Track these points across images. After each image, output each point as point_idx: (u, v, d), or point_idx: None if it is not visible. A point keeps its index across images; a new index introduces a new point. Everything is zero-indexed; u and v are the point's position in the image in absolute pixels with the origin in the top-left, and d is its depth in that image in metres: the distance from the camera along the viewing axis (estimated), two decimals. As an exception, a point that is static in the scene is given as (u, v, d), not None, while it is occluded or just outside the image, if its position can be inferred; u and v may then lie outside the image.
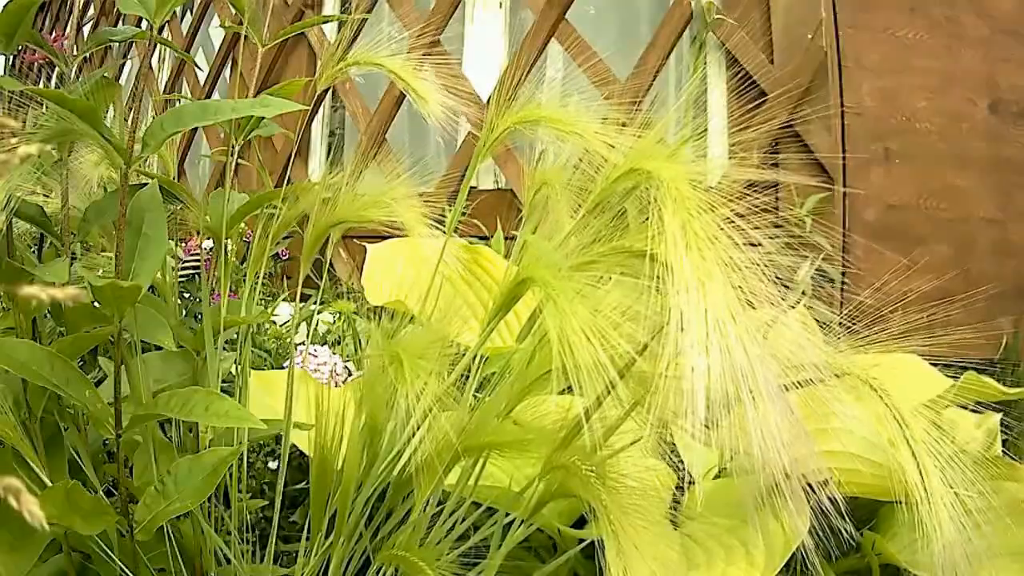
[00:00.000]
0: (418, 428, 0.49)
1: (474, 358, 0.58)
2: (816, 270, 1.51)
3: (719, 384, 0.40)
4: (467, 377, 0.60)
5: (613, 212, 0.49)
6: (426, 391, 0.48)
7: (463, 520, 0.61)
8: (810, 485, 0.77)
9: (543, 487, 0.54)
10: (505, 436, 0.52)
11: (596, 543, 0.50)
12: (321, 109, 2.60)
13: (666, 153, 0.48)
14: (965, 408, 0.89)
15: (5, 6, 0.64)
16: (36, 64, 1.03)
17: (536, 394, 0.53)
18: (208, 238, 0.81)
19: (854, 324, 0.62)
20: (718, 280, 0.41)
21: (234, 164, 0.82)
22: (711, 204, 0.45)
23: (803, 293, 1.07)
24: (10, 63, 0.69)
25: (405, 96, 2.60)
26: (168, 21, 3.05)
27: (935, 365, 0.89)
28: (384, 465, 0.57)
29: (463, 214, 1.85)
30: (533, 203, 0.63)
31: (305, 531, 0.61)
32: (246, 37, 0.82)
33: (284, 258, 1.94)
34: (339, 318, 1.48)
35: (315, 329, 1.50)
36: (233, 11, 0.83)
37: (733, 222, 0.45)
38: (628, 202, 0.49)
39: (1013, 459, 0.83)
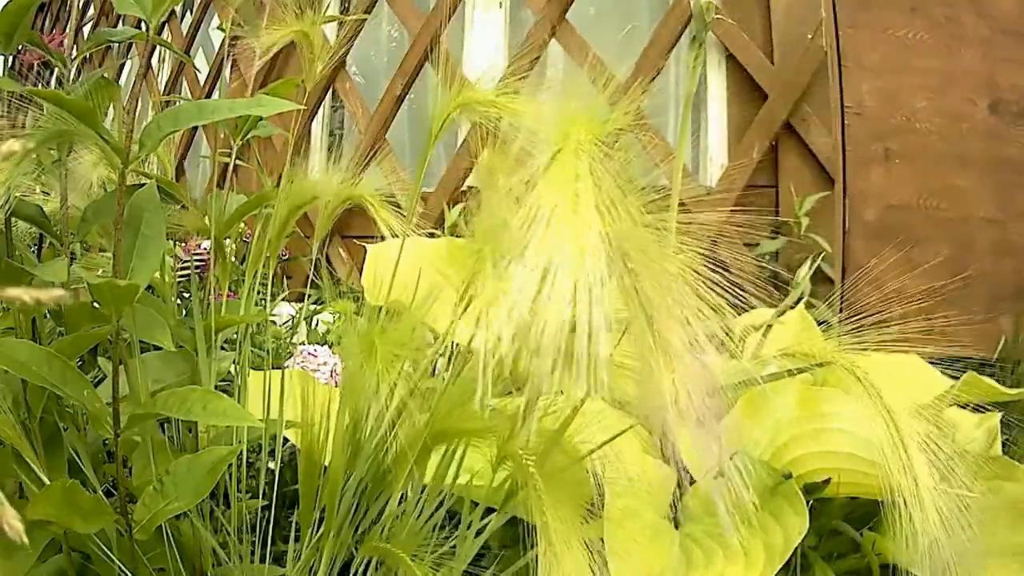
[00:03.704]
0: (395, 422, 0.49)
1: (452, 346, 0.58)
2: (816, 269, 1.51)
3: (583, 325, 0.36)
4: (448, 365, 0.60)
5: None
6: (399, 381, 0.48)
7: (438, 509, 0.60)
8: (807, 486, 0.77)
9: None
10: (470, 423, 0.52)
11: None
12: (321, 109, 2.60)
13: (593, 117, 0.43)
14: (965, 408, 0.89)
15: (4, 6, 0.64)
16: (36, 64, 1.03)
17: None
18: (207, 238, 0.81)
19: (853, 323, 0.61)
20: (592, 220, 0.37)
21: (233, 164, 0.82)
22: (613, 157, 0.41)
23: (802, 295, 1.07)
24: (10, 63, 0.69)
25: (405, 96, 2.59)
26: (168, 21, 3.06)
27: (935, 365, 0.89)
28: (368, 458, 0.57)
29: (460, 214, 1.85)
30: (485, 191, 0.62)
31: (293, 527, 0.61)
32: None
33: (284, 258, 1.94)
34: (339, 318, 1.48)
35: (315, 329, 1.50)
36: (233, 12, 0.84)
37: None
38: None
39: (1012, 459, 0.83)
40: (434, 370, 0.60)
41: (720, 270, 0.42)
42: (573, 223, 0.37)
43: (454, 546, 0.59)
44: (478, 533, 0.60)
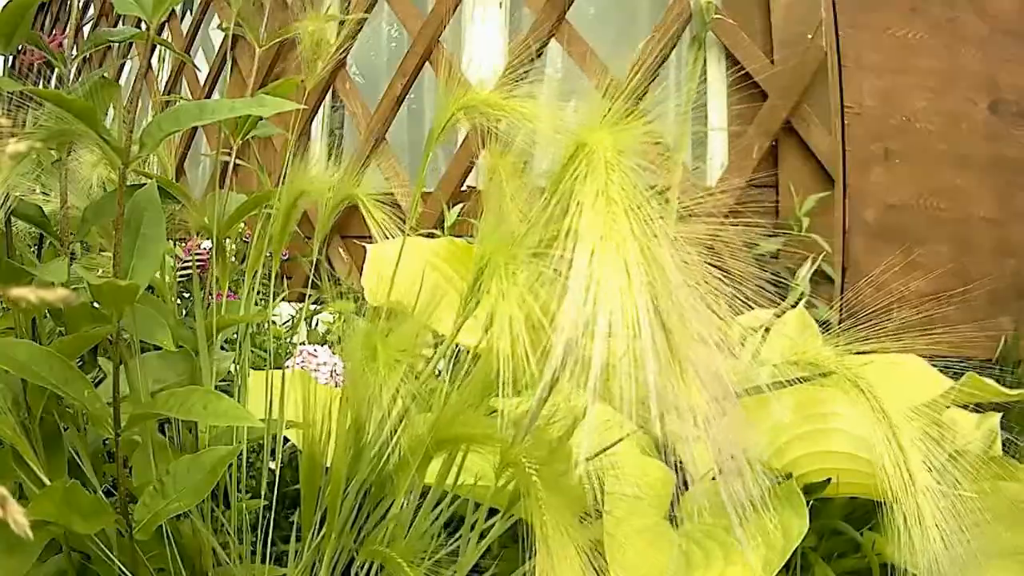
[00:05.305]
0: (397, 427, 0.49)
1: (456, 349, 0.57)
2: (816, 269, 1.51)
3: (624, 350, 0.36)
4: (451, 367, 0.60)
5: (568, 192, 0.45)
6: (402, 387, 0.47)
7: (440, 514, 0.60)
8: (807, 486, 0.77)
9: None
10: (475, 429, 0.51)
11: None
12: (321, 109, 2.60)
13: (611, 124, 0.43)
14: (965, 408, 0.89)
15: (4, 6, 0.64)
16: (36, 64, 1.03)
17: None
18: (207, 238, 0.81)
19: (853, 326, 0.61)
20: (630, 245, 0.37)
21: (233, 164, 0.82)
22: (636, 170, 0.41)
23: (802, 294, 1.07)
24: (10, 63, 0.69)
25: (405, 96, 2.59)
26: (168, 21, 3.05)
27: (935, 365, 0.89)
28: (369, 462, 0.57)
29: (459, 214, 1.85)
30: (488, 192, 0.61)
31: (295, 529, 0.61)
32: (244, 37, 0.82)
33: (284, 258, 1.94)
34: (339, 318, 1.49)
35: (315, 329, 1.50)
36: (233, 12, 0.84)
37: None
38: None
39: (1013, 459, 0.83)
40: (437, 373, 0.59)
41: (720, 272, 0.42)
42: (616, 251, 0.37)
43: (453, 550, 0.59)
44: (481, 537, 0.60)
